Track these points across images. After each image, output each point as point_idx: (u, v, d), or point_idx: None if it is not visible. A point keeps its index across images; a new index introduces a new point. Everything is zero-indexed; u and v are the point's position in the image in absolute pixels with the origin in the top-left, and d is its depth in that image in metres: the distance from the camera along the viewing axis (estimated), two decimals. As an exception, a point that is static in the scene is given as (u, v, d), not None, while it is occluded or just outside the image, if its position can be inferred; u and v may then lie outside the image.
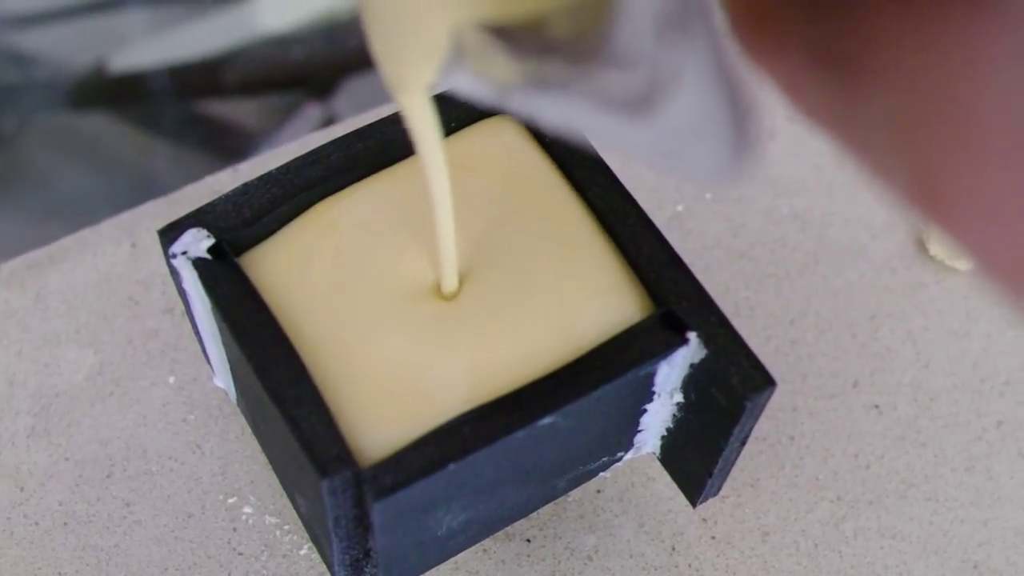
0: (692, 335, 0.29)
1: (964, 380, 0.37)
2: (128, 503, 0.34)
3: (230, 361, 0.32)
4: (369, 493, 0.27)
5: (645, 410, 0.31)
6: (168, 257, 0.30)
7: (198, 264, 0.30)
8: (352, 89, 0.65)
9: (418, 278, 0.30)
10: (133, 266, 0.38)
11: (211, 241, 0.30)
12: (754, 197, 0.40)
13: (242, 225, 0.30)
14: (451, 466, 0.28)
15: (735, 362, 0.29)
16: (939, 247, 0.39)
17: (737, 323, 0.37)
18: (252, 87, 0.67)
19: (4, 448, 0.35)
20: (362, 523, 0.29)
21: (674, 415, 0.31)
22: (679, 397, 0.31)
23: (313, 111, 0.65)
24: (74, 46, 0.68)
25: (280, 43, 0.67)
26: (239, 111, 0.67)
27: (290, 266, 0.30)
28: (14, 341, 0.36)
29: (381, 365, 0.28)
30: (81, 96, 0.67)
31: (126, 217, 0.38)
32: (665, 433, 0.32)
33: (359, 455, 0.28)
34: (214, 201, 0.30)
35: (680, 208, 0.39)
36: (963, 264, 0.39)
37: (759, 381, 0.29)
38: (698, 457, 0.32)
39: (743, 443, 0.31)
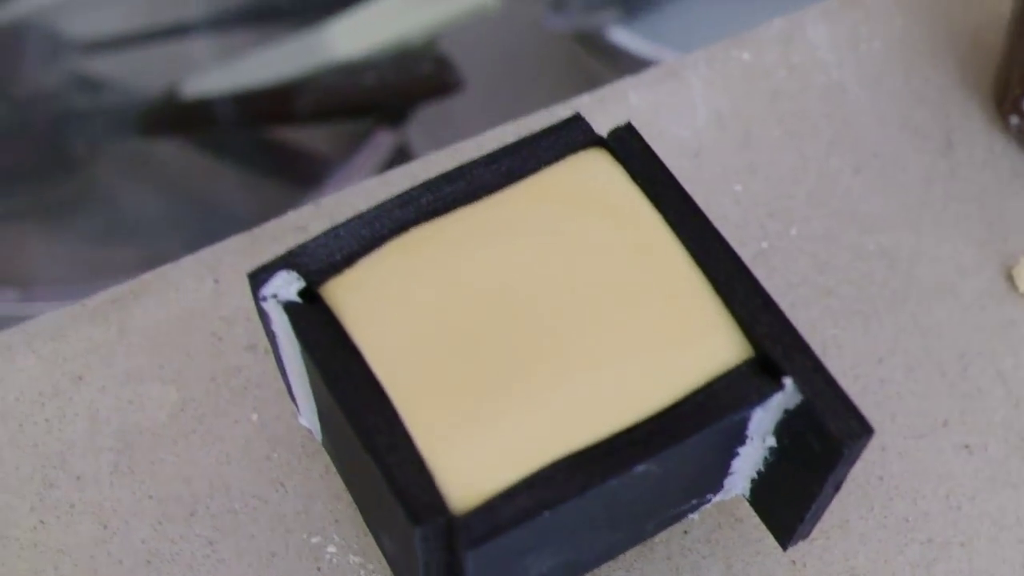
0: (788, 380, 0.28)
1: (1057, 421, 0.36)
2: (211, 542, 0.34)
3: (318, 403, 0.31)
4: (462, 541, 0.27)
5: (737, 453, 0.31)
6: (258, 300, 0.30)
7: (289, 308, 0.30)
8: (423, 116, 0.66)
9: (504, 312, 0.29)
10: (216, 302, 0.38)
11: (302, 284, 0.30)
12: (839, 233, 0.39)
13: (332, 268, 0.30)
14: (545, 514, 0.27)
15: (832, 408, 0.28)
16: (1030, 284, 0.38)
17: (825, 361, 0.37)
18: (322, 114, 0.67)
19: (88, 486, 0.35)
20: (452, 570, 0.28)
21: (766, 459, 0.31)
22: (772, 441, 0.30)
23: (384, 138, 0.65)
24: (144, 72, 0.69)
25: (351, 70, 0.67)
26: (310, 138, 0.67)
27: (375, 298, 0.29)
28: (98, 376, 0.36)
29: (471, 407, 0.28)
30: (151, 122, 0.67)
31: (207, 253, 0.38)
32: (756, 476, 0.32)
33: (452, 502, 0.27)
34: (305, 244, 0.30)
35: (765, 245, 0.39)
36: (1054, 301, 0.38)
37: (856, 428, 0.28)
38: (790, 501, 0.31)
39: (838, 489, 0.30)
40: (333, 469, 0.35)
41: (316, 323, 0.29)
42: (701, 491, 0.32)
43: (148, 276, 0.38)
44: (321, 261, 0.30)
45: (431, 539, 0.27)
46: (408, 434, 0.28)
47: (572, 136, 0.32)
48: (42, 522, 0.35)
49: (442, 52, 0.68)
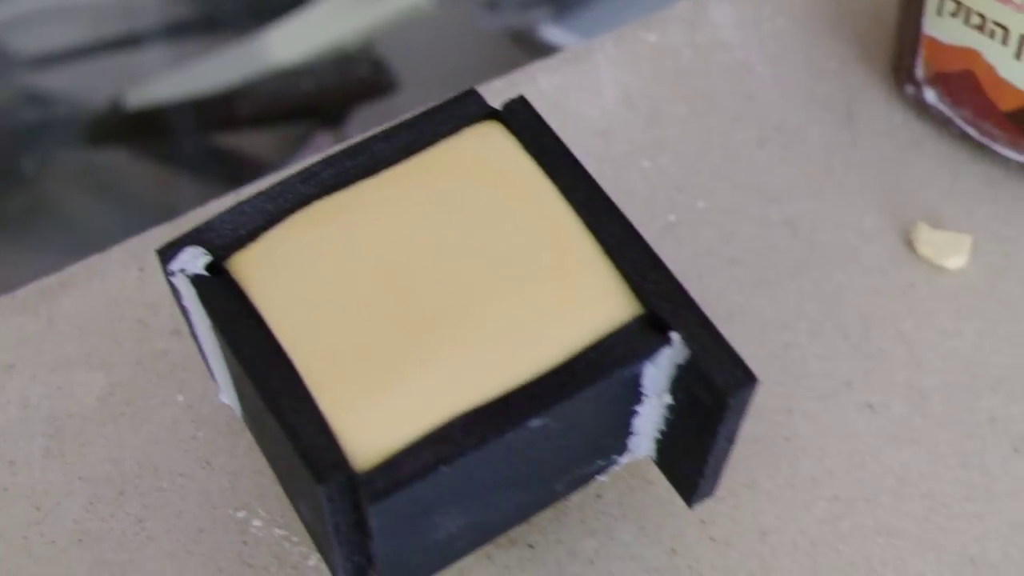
0: (675, 335, 0.30)
1: (956, 378, 0.38)
2: (141, 519, 0.35)
3: (232, 376, 0.33)
4: (365, 497, 0.28)
5: (636, 412, 0.32)
6: (167, 275, 0.31)
7: (196, 281, 0.31)
8: (361, 117, 0.67)
9: (403, 278, 0.30)
10: (141, 290, 0.39)
11: (208, 258, 0.31)
12: (745, 205, 0.40)
13: (237, 242, 0.31)
14: (443, 468, 0.28)
15: (716, 360, 0.30)
16: (928, 247, 0.39)
17: (731, 328, 0.38)
18: (264, 119, 0.68)
19: (20, 470, 0.36)
20: (362, 528, 0.30)
21: (665, 417, 0.32)
22: (668, 399, 0.31)
23: (324, 140, 0.66)
24: (89, 84, 0.70)
25: (289, 75, 0.68)
26: (254, 143, 0.68)
27: (278, 269, 0.31)
28: (28, 365, 0.38)
29: (372, 369, 0.29)
30: (98, 133, 0.68)
31: (134, 242, 0.40)
32: (658, 436, 0.33)
33: (354, 460, 0.28)
34: (210, 220, 0.32)
35: (672, 218, 0.40)
36: (953, 263, 0.39)
37: (741, 378, 0.29)
38: (690, 458, 0.32)
39: (731, 441, 0.31)
40: (256, 446, 0.36)
41: (222, 295, 0.31)
42: (606, 451, 0.33)
43: (75, 267, 0.39)
44: (227, 236, 0.32)
45: (335, 497, 0.28)
46: (311, 397, 0.29)
47: (467, 110, 0.34)
48: (-26, 505, 0.36)
49: (378, 54, 0.70)
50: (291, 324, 0.30)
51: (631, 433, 0.33)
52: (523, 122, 0.33)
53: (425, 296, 0.30)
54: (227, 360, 0.32)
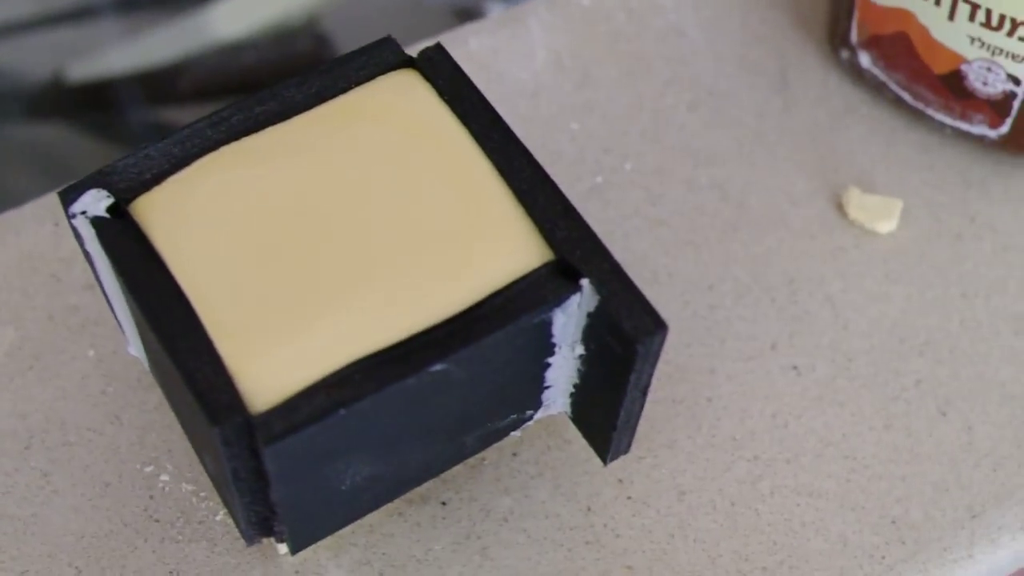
0: (584, 282, 0.29)
1: (883, 341, 0.37)
2: (46, 473, 0.34)
3: (136, 323, 0.32)
4: (260, 439, 0.27)
5: (549, 364, 0.31)
6: (69, 218, 0.30)
7: (96, 223, 0.30)
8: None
9: (310, 225, 0.30)
10: (56, 245, 0.38)
11: (110, 200, 0.30)
12: (674, 168, 0.40)
13: (142, 186, 0.31)
14: (341, 412, 0.28)
15: (626, 307, 0.29)
16: (859, 211, 0.39)
17: (655, 289, 0.37)
18: (205, 93, 0.68)
19: (-77, 423, 0.35)
20: (261, 475, 0.29)
21: (579, 370, 0.31)
22: (580, 350, 0.31)
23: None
24: (34, 57, 0.69)
25: (233, 49, 0.67)
26: (197, 117, 0.67)
27: (182, 213, 0.30)
28: (-65, 319, 0.37)
29: (273, 313, 0.29)
30: (41, 106, 0.68)
31: (50, 198, 0.39)
32: (573, 390, 0.32)
33: (251, 403, 0.28)
34: (114, 162, 0.31)
35: (599, 179, 0.39)
36: (883, 227, 0.39)
37: (650, 325, 0.29)
38: (603, 411, 0.32)
39: (643, 392, 0.31)
40: (166, 402, 0.35)
41: (123, 238, 0.30)
42: (519, 405, 0.32)
43: (-12, 220, 0.39)
44: (131, 179, 0.31)
45: (231, 440, 0.28)
46: (210, 340, 0.28)
47: (383, 57, 0.33)
48: None
49: (321, 29, 0.69)
50: (193, 268, 0.29)
51: (544, 386, 0.32)
52: (439, 70, 0.33)
53: (332, 241, 0.30)
54: (130, 306, 0.31)
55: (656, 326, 0.29)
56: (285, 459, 0.28)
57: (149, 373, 0.36)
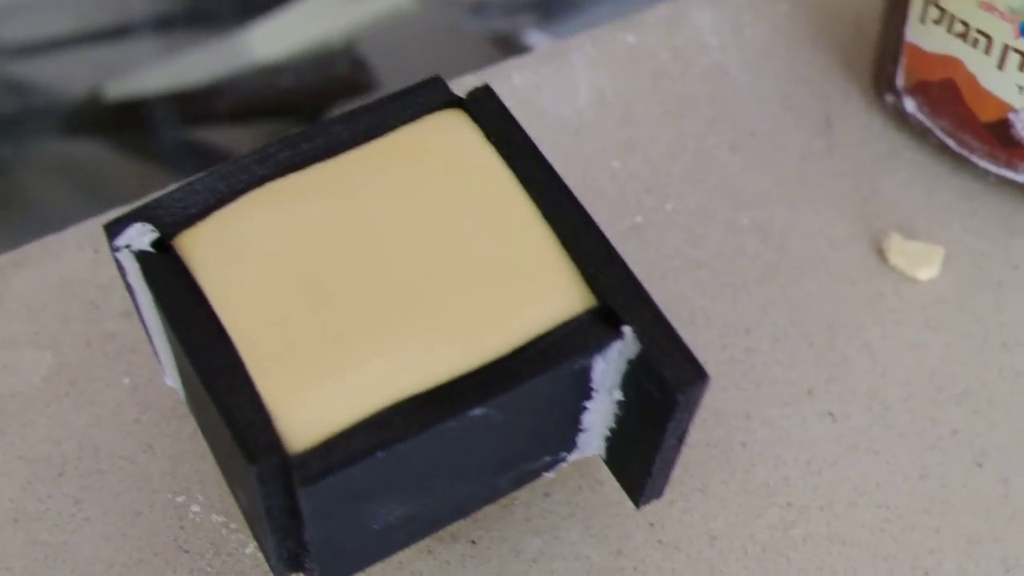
0: (627, 329, 0.29)
1: (920, 389, 0.37)
2: (78, 501, 0.34)
3: (174, 356, 0.32)
4: (297, 480, 0.27)
5: (586, 408, 0.31)
6: (113, 251, 0.30)
7: (141, 257, 0.30)
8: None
9: (354, 263, 0.30)
10: (95, 271, 0.38)
11: (155, 235, 0.30)
12: (715, 209, 0.40)
13: (186, 221, 0.31)
14: (379, 454, 0.28)
15: (668, 355, 0.29)
16: (899, 257, 0.39)
17: (692, 331, 0.37)
18: (242, 115, 0.68)
19: (-42, 446, 0.35)
20: (295, 514, 0.29)
21: (615, 414, 0.31)
22: (619, 395, 0.31)
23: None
24: (69, 75, 0.69)
25: (270, 72, 0.67)
26: (231, 138, 0.68)
27: (226, 249, 0.30)
28: (-27, 342, 0.37)
29: (314, 353, 0.28)
30: (76, 124, 0.68)
31: (90, 224, 0.39)
32: (608, 434, 0.32)
33: (289, 442, 0.28)
34: (160, 197, 0.31)
35: (640, 219, 0.39)
36: (924, 274, 0.38)
37: (691, 375, 0.29)
38: (639, 456, 0.31)
39: (681, 440, 0.30)
40: (200, 432, 0.35)
41: (166, 272, 0.30)
42: (553, 447, 0.32)
43: (29, 246, 0.39)
44: (176, 213, 0.31)
45: (267, 479, 0.28)
46: (249, 377, 0.28)
47: (430, 96, 0.33)
48: (-90, 481, 0.35)
49: (359, 53, 0.69)
50: (234, 304, 0.29)
51: (580, 430, 0.32)
52: (486, 111, 0.32)
53: (375, 281, 0.30)
54: (169, 339, 0.31)
55: (698, 376, 0.29)
56: (321, 499, 0.28)
57: (183, 403, 0.36)
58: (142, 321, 0.32)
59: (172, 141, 0.68)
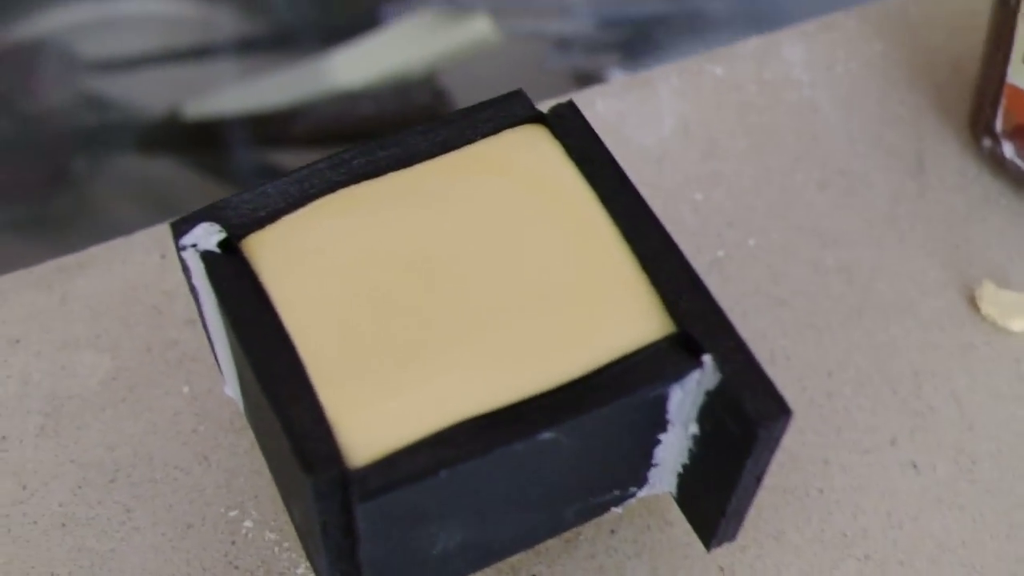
0: (707, 358, 0.28)
1: (1010, 444, 0.35)
2: (129, 509, 0.33)
3: (235, 362, 0.31)
4: (355, 494, 0.26)
5: (659, 441, 0.30)
6: (179, 250, 0.29)
7: (206, 257, 0.29)
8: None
9: (426, 275, 0.29)
10: (161, 276, 0.37)
11: (222, 235, 0.29)
12: (799, 247, 0.38)
13: (256, 224, 0.30)
14: (442, 473, 0.26)
15: (750, 388, 0.27)
16: (992, 307, 0.37)
17: (772, 371, 0.36)
18: (320, 140, 0.67)
19: (12, 446, 0.34)
20: (351, 532, 0.28)
21: (690, 450, 0.30)
22: (695, 429, 0.29)
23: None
24: (150, 93, 0.69)
25: (350, 98, 0.67)
26: (307, 162, 0.67)
27: (295, 254, 0.29)
28: (34, 342, 0.36)
29: (380, 365, 0.27)
30: (152, 141, 0.68)
31: (159, 229, 0.38)
32: (681, 470, 0.31)
33: (349, 456, 0.26)
34: (230, 197, 0.30)
35: (721, 253, 0.38)
36: (1017, 325, 0.37)
37: (774, 409, 0.27)
38: (712, 495, 0.30)
39: (759, 479, 0.29)
40: (257, 446, 0.34)
41: (232, 274, 0.29)
42: (623, 481, 0.31)
43: (97, 248, 0.38)
44: (245, 215, 0.30)
45: (325, 493, 0.26)
46: (311, 386, 0.27)
47: (512, 110, 0.32)
48: (-40, 479, 0.34)
49: (440, 84, 0.69)
50: (300, 310, 0.28)
51: (652, 464, 0.31)
52: (569, 127, 0.31)
53: (446, 294, 0.29)
54: (231, 345, 0.30)
55: (780, 411, 0.27)
56: (379, 518, 0.27)
57: (242, 415, 0.35)
58: (205, 326, 0.31)
59: (247, 163, 0.68)
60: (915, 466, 0.35)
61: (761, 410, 0.27)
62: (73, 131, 0.67)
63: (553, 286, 0.29)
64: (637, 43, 0.68)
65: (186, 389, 0.35)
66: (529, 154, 0.31)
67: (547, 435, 0.27)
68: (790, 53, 0.42)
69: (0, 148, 0.66)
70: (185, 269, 0.30)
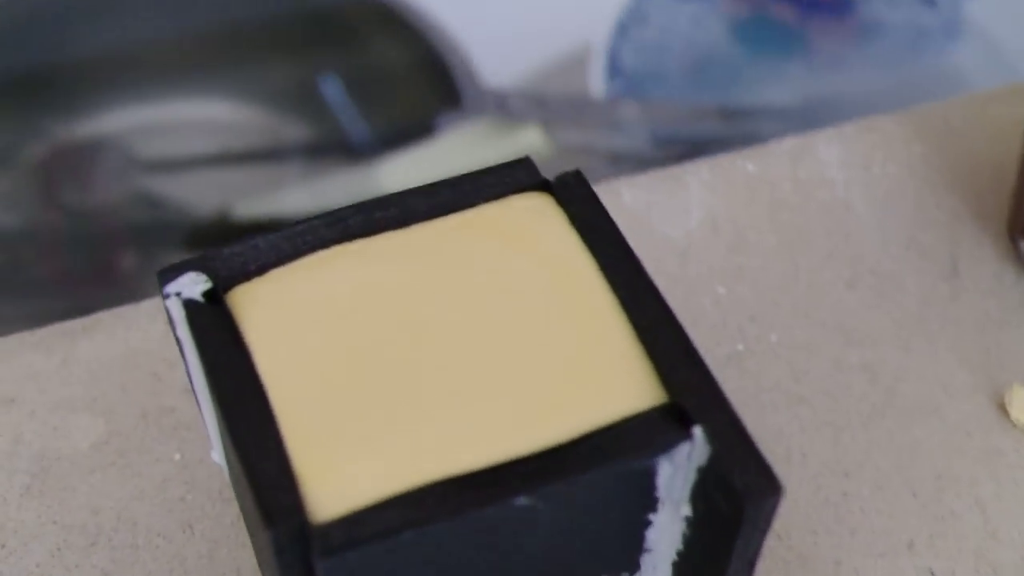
0: (697, 430, 0.26)
1: (1036, 558, 0.33)
2: (106, 574, 0.32)
3: (215, 417, 0.30)
4: (316, 549, 0.25)
5: (650, 522, 0.28)
6: (163, 297, 0.29)
7: (188, 305, 0.28)
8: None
9: (412, 334, 0.28)
10: (163, 344, 0.37)
11: (207, 285, 0.29)
12: (822, 344, 0.37)
13: (244, 277, 0.29)
14: (407, 534, 0.25)
15: (740, 462, 0.26)
16: (1022, 413, 0.35)
17: (787, 469, 0.34)
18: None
19: (-5, 505, 0.34)
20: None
21: (684, 534, 0.28)
22: (687, 511, 0.28)
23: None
24: (205, 193, 0.70)
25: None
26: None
27: (279, 307, 0.28)
28: (28, 402, 0.35)
29: (354, 421, 0.26)
30: (200, 240, 0.68)
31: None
32: (676, 558, 0.29)
33: (315, 511, 0.25)
34: (220, 249, 0.29)
35: (740, 347, 0.37)
36: (1047, 434, 0.35)
37: (763, 484, 0.26)
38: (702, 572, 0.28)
39: (751, 565, 0.27)
40: (241, 521, 0.33)
41: (213, 323, 0.28)
42: (613, 564, 0.29)
43: (103, 314, 0.37)
44: (233, 268, 0.29)
45: (285, 546, 0.25)
46: (280, 439, 0.26)
47: (517, 176, 0.31)
48: (-62, 534, 0.33)
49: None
50: (278, 363, 0.27)
51: (644, 549, 0.29)
52: (574, 195, 0.30)
53: (432, 354, 0.27)
54: (212, 400, 0.29)
55: (770, 486, 0.25)
56: (338, 575, 0.25)
57: (229, 487, 0.34)
58: (191, 383, 0.30)
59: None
60: (932, 572, 0.33)
61: (750, 484, 0.26)
62: (124, 228, 0.68)
63: (543, 351, 0.27)
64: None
65: (177, 456, 0.34)
66: (530, 219, 0.30)
67: (522, 501, 0.26)
68: (826, 153, 0.41)
69: (50, 241, 0.67)
70: (169, 319, 0.29)
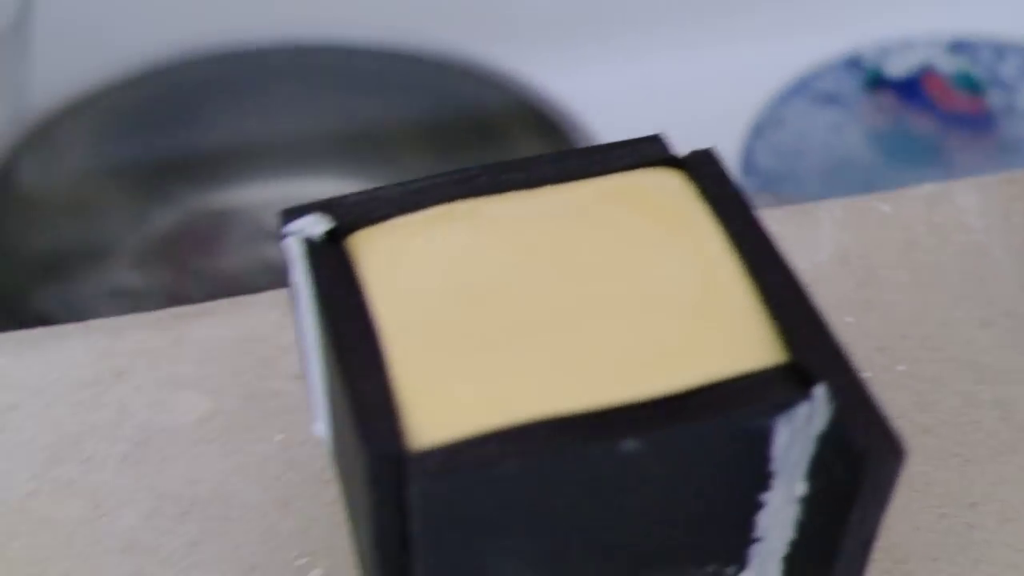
0: (818, 389, 0.25)
1: None
2: (195, 543, 0.32)
3: (324, 366, 0.29)
4: (411, 474, 0.24)
5: (761, 504, 0.27)
6: (283, 236, 0.28)
7: (308, 244, 0.28)
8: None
9: (528, 286, 0.27)
10: (278, 332, 0.36)
11: (330, 226, 0.28)
12: (952, 379, 0.35)
13: (366, 222, 0.29)
14: (505, 466, 0.24)
15: (862, 422, 0.24)
16: None
17: (908, 496, 0.33)
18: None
19: (94, 468, 0.33)
20: (407, 545, 0.25)
21: (798, 520, 0.27)
22: (802, 489, 0.26)
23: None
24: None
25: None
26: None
27: (397, 253, 0.28)
28: (138, 376, 0.35)
29: (463, 357, 0.26)
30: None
31: (287, 291, 0.37)
32: (787, 551, 0.27)
33: (415, 438, 0.24)
34: (346, 195, 0.29)
35: (867, 375, 0.35)
36: None
37: (887, 447, 0.24)
38: (814, 568, 0.27)
39: (865, 547, 0.26)
40: (339, 500, 0.32)
41: (331, 263, 0.28)
42: (719, 549, 0.28)
43: (222, 301, 0.37)
44: (356, 214, 0.29)
45: (381, 471, 0.24)
46: (387, 368, 0.25)
47: (648, 151, 0.30)
48: (36, 490, 0.33)
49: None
50: (392, 305, 0.27)
51: (752, 537, 0.27)
52: (706, 172, 0.30)
53: (547, 305, 0.27)
54: (320, 340, 0.29)
55: (892, 449, 0.24)
56: (433, 509, 0.24)
57: (329, 470, 0.33)
58: (300, 332, 0.30)
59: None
60: (1061, 609, 0.31)
61: (873, 447, 0.24)
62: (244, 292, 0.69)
63: (662, 307, 0.27)
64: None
65: (279, 437, 0.34)
66: (658, 188, 0.29)
67: (628, 445, 0.25)
68: (964, 201, 0.40)
69: (176, 303, 0.68)
70: (287, 261, 0.29)
